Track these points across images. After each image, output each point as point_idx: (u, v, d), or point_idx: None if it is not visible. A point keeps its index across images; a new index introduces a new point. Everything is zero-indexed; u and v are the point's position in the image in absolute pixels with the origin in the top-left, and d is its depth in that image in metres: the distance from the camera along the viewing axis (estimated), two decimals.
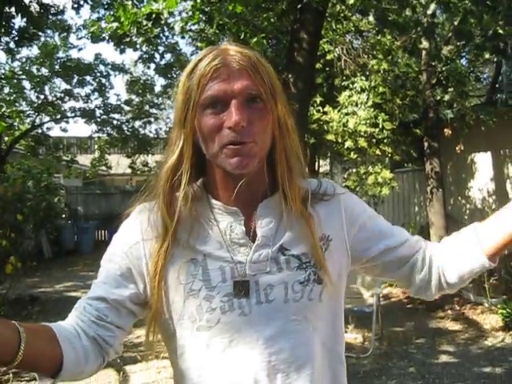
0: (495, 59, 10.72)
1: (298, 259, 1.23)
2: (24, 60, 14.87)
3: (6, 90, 15.15)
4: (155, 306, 1.23)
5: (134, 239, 1.26)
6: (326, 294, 1.24)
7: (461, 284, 1.35)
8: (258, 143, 1.17)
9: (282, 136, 1.22)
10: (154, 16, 6.91)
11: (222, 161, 1.17)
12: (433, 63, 10.03)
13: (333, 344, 1.28)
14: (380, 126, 9.96)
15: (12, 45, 12.93)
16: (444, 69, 9.94)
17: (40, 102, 15.28)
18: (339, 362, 1.31)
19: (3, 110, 8.53)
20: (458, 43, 9.99)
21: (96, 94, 15.55)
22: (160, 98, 16.96)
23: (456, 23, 8.77)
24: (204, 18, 8.19)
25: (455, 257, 1.34)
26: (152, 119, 17.27)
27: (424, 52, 10.19)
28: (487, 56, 10.06)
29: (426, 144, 10.18)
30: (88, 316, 1.23)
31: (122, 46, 8.52)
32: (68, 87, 15.28)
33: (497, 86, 12.17)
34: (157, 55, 11.21)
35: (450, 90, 10.25)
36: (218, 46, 1.22)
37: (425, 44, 10.17)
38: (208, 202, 1.25)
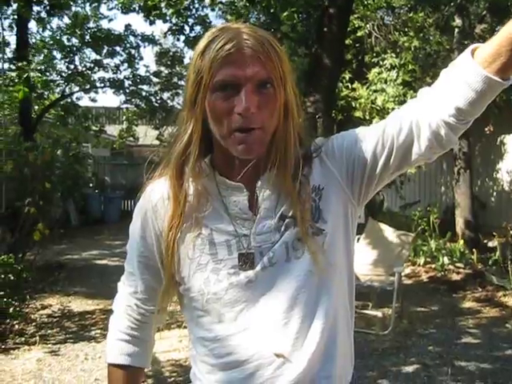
0: None
1: (293, 218, 1.25)
2: (55, 30, 14.95)
3: (37, 59, 15.26)
4: (167, 281, 1.32)
5: (146, 222, 1.34)
6: (328, 242, 1.26)
7: (471, 107, 1.16)
8: (265, 129, 1.20)
9: (286, 119, 1.25)
10: None
11: (229, 145, 1.21)
12: (465, 42, 9.85)
13: (341, 290, 1.31)
14: None
15: (43, 14, 13.03)
16: None
17: (70, 71, 15.36)
18: (350, 307, 1.34)
19: (34, 78, 8.66)
20: (493, 19, 9.77)
21: (125, 64, 15.57)
22: None
23: None
24: None
25: (443, 86, 1.21)
26: (180, 91, 17.26)
27: (456, 30, 10.01)
28: None
29: None
30: (139, 310, 1.43)
31: (152, 18, 8.52)
32: (98, 57, 15.31)
33: None
34: (186, 27, 11.17)
35: None
36: (230, 26, 1.23)
37: (458, 22, 9.99)
38: (214, 178, 1.29)
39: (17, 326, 5.77)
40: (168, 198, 1.29)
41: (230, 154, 1.24)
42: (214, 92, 1.19)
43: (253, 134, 1.18)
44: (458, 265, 8.49)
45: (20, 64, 6.55)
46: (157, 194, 1.33)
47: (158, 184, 1.34)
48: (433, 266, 8.58)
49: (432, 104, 1.21)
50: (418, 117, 1.23)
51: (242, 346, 1.25)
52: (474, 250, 8.85)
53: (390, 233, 6.69)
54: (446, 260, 8.37)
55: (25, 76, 6.26)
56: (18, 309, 5.87)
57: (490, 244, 9.78)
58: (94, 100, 16.62)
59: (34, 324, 5.97)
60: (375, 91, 10.06)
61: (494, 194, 12.11)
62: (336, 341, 1.28)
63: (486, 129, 9.49)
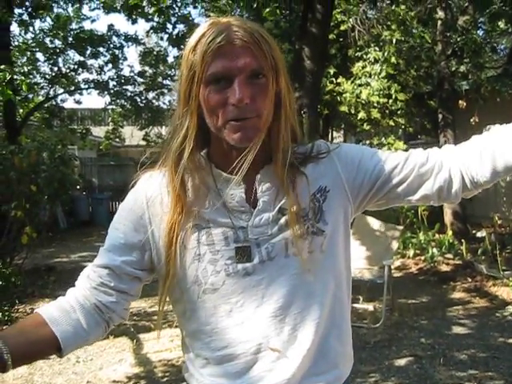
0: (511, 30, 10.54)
1: (295, 215, 1.26)
2: (37, 32, 14.87)
3: (20, 62, 15.17)
4: (172, 276, 1.29)
5: (139, 207, 1.32)
6: (327, 244, 1.29)
7: (491, 181, 1.29)
8: (261, 117, 1.21)
9: (279, 109, 1.26)
10: None
11: (226, 135, 1.21)
12: (448, 34, 9.90)
13: (338, 291, 1.32)
14: (393, 96, 9.90)
15: (25, 16, 12.94)
16: (459, 39, 9.81)
17: (54, 74, 15.29)
18: (346, 309, 1.36)
19: (17, 82, 8.55)
20: (475, 11, 9.81)
21: (109, 65, 15.53)
22: (173, 69, 16.90)
23: None
24: None
25: (483, 147, 1.31)
26: (165, 90, 17.24)
27: (439, 22, 10.05)
28: (503, 26, 9.89)
29: (440, 116, 10.08)
30: (91, 283, 1.32)
31: (134, 16, 8.48)
32: (81, 59, 15.25)
33: None
34: (169, 25, 11.15)
35: (465, 61, 10.12)
36: (220, 20, 1.24)
37: (440, 14, 10.03)
38: (211, 171, 1.29)
39: None
40: (167, 192, 1.29)
41: (226, 146, 1.25)
42: (207, 85, 1.20)
43: (248, 121, 1.19)
44: (448, 256, 8.54)
45: (2, 66, 6.50)
46: (152, 185, 1.32)
47: (153, 175, 1.33)
48: (422, 257, 8.62)
49: (464, 157, 1.31)
50: (446, 159, 1.31)
51: (237, 340, 1.26)
52: (462, 240, 8.90)
53: (378, 226, 6.70)
54: (435, 251, 8.42)
55: (8, 78, 6.19)
56: (6, 313, 5.83)
57: (479, 234, 9.84)
58: (78, 102, 16.57)
59: None
60: (360, 85, 10.09)
61: None
62: (330, 339, 1.30)
63: (472, 120, 9.53)
